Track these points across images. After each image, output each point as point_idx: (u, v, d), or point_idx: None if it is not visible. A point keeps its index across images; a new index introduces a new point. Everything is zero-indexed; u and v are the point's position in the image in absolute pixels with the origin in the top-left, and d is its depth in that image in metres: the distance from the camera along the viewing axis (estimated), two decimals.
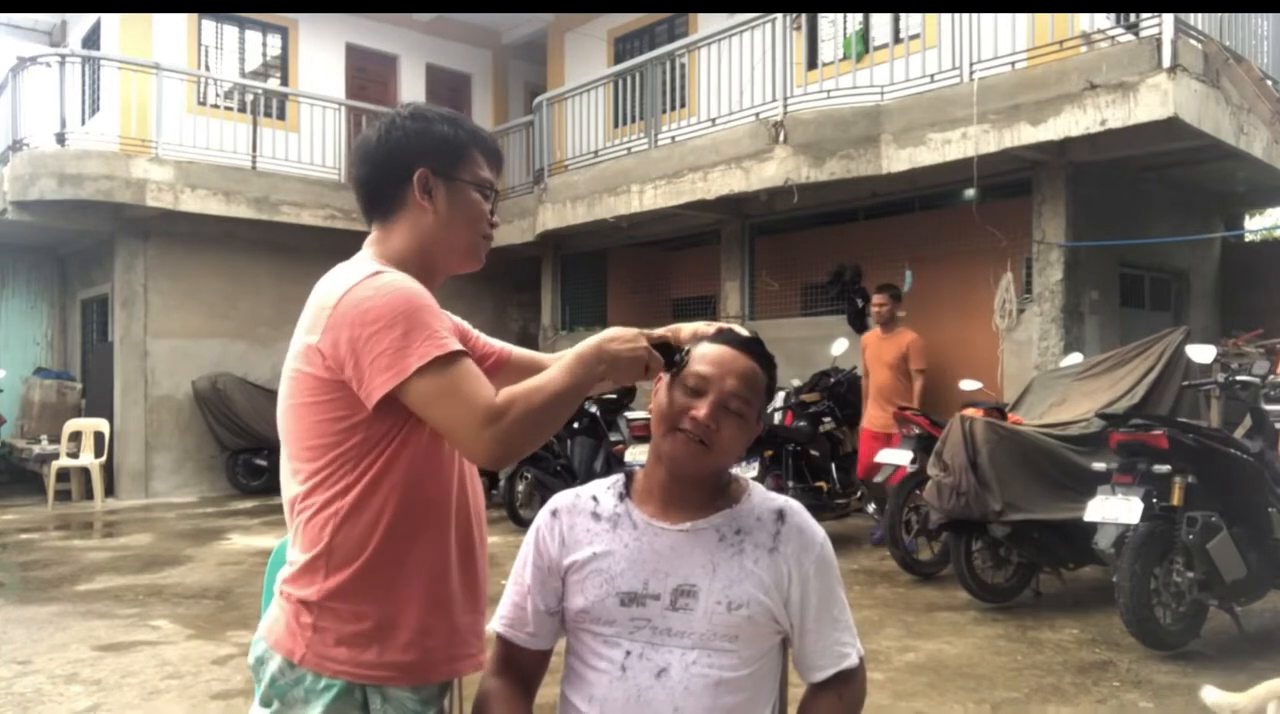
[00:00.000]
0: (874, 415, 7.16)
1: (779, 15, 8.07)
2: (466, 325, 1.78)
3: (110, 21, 10.99)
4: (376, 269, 1.46)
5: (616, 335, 1.46)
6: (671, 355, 1.53)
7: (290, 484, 1.50)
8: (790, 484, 6.94)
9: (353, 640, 1.43)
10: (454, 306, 1.64)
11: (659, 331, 1.62)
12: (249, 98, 11.00)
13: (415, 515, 1.46)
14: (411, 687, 1.46)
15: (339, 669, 1.42)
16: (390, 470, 1.44)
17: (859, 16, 8.53)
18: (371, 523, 1.43)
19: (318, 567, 1.44)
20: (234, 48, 11.67)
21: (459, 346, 1.39)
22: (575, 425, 8.21)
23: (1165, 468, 4.40)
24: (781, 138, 7.84)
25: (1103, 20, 7.08)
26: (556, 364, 1.45)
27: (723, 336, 1.56)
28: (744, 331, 1.59)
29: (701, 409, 1.48)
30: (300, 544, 1.47)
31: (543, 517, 1.61)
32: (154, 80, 9.88)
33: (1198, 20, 6.50)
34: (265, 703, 1.48)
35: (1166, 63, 5.98)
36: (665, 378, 1.54)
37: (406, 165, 1.52)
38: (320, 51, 12.11)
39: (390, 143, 1.54)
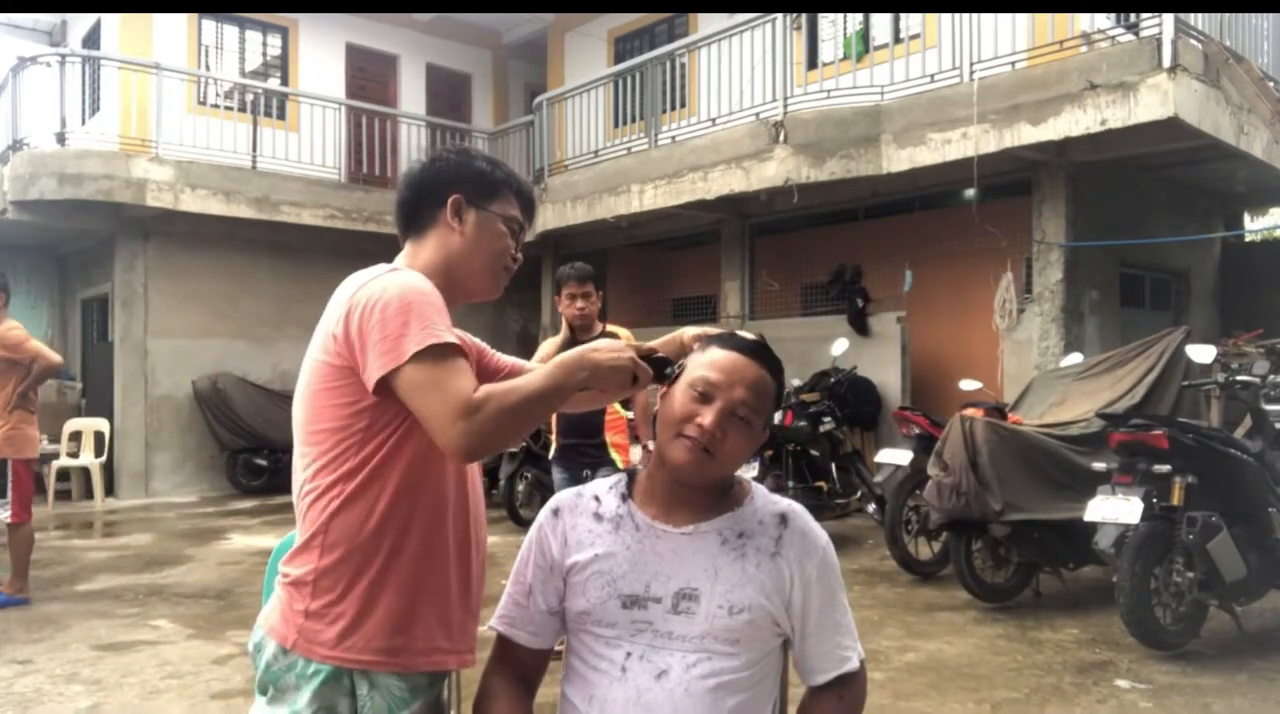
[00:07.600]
0: None
1: (779, 15, 8.07)
2: (481, 342, 1.80)
3: (110, 21, 10.99)
4: (397, 267, 1.55)
5: (601, 345, 1.49)
6: (663, 368, 1.53)
7: (298, 471, 1.55)
8: (790, 484, 6.94)
9: (340, 624, 1.46)
10: (454, 307, 1.65)
11: (654, 343, 1.63)
12: (249, 98, 10.99)
13: (413, 504, 1.49)
14: (397, 673, 1.48)
15: (326, 655, 1.46)
16: (394, 457, 1.47)
17: (859, 16, 8.52)
18: (369, 507, 1.47)
19: (313, 546, 1.49)
20: (234, 48, 11.67)
21: (454, 340, 1.43)
22: None
23: (1165, 468, 4.40)
24: (781, 138, 7.84)
25: (1103, 20, 7.08)
26: (540, 368, 1.48)
27: (733, 342, 1.54)
28: (749, 336, 1.59)
29: (708, 417, 1.46)
30: (302, 527, 1.52)
31: (545, 515, 1.61)
32: (154, 80, 9.88)
33: (1198, 20, 6.50)
34: (261, 689, 1.52)
35: (1167, 63, 5.98)
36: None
37: (443, 190, 1.62)
38: (320, 51, 12.10)
39: (433, 170, 1.65)
